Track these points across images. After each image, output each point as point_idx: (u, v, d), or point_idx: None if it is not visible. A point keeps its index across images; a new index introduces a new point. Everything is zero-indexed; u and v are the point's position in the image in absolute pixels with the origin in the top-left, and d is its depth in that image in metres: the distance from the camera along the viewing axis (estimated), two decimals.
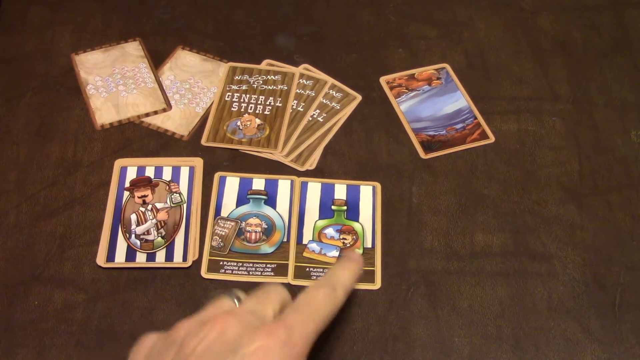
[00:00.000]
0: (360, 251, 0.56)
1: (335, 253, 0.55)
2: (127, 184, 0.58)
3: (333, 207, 0.58)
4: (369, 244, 0.56)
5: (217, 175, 0.59)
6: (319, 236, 0.56)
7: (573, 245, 0.57)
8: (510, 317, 0.53)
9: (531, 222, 0.58)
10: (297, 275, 0.54)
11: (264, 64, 0.68)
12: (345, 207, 0.58)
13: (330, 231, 0.57)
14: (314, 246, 0.56)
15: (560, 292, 0.54)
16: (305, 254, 0.55)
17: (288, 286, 0.53)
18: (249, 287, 0.53)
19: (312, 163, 0.61)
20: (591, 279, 0.55)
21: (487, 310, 0.53)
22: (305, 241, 0.56)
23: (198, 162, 0.60)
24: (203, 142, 0.62)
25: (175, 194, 0.58)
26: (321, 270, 0.54)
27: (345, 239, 0.56)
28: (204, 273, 0.54)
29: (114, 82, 0.66)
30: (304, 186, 0.59)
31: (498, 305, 0.53)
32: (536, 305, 0.53)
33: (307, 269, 0.54)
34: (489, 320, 0.52)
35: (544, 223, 0.58)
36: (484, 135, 0.64)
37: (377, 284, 0.54)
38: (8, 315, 0.51)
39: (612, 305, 0.53)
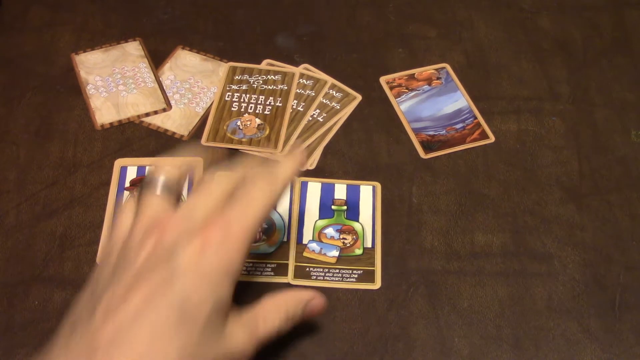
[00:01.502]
0: (360, 251, 0.56)
1: (335, 253, 0.55)
2: (127, 184, 0.58)
3: (333, 207, 0.58)
4: (369, 244, 0.56)
5: None
6: (319, 236, 0.56)
7: (573, 245, 0.57)
8: (510, 317, 0.53)
9: (531, 222, 0.58)
10: (297, 275, 0.54)
11: (264, 64, 0.68)
12: (345, 207, 0.58)
13: (330, 231, 0.57)
14: (314, 246, 0.56)
15: (560, 292, 0.54)
16: (305, 254, 0.55)
17: (288, 286, 0.53)
18: (249, 287, 0.53)
19: (312, 163, 0.61)
20: (591, 279, 0.55)
21: (487, 310, 0.53)
22: (305, 241, 0.56)
23: (198, 162, 0.60)
24: (203, 141, 0.62)
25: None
26: (321, 270, 0.54)
27: (345, 238, 0.56)
28: None
29: (114, 82, 0.66)
30: (303, 186, 0.59)
31: (498, 305, 0.53)
32: (536, 305, 0.53)
33: (307, 269, 0.54)
34: (489, 320, 0.52)
35: (544, 223, 0.58)
36: (484, 135, 0.64)
37: (377, 284, 0.54)
38: (8, 315, 0.51)
39: (612, 305, 0.53)
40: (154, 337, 0.37)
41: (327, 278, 0.54)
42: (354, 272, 0.54)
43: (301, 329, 0.51)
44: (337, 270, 0.54)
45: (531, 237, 0.57)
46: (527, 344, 0.51)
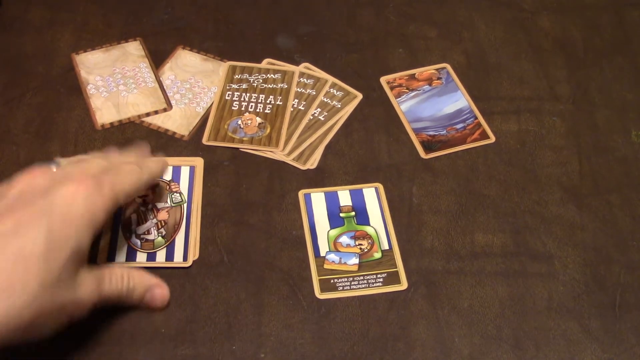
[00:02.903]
0: (379, 255, 0.55)
1: (355, 260, 0.55)
2: None
3: (341, 214, 0.58)
4: (385, 246, 0.56)
5: None
6: (334, 246, 0.56)
7: (573, 245, 0.57)
8: (510, 317, 0.53)
9: (531, 222, 0.58)
10: (323, 289, 0.53)
11: (264, 63, 0.68)
12: (353, 213, 0.58)
13: (344, 239, 0.56)
14: (333, 256, 0.55)
15: (560, 292, 0.54)
16: (326, 266, 0.55)
17: (316, 300, 0.53)
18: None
19: (313, 162, 0.61)
20: (591, 279, 0.55)
21: (487, 310, 0.53)
22: (322, 253, 0.55)
23: (199, 162, 0.60)
24: (204, 141, 0.62)
25: (175, 194, 0.58)
26: (345, 279, 0.54)
27: (361, 244, 0.56)
28: None
29: (115, 81, 0.66)
30: (307, 199, 0.59)
31: (498, 305, 0.53)
32: (536, 305, 0.53)
33: (332, 281, 0.54)
34: (489, 320, 0.52)
35: (544, 223, 0.58)
36: (484, 135, 0.64)
37: (403, 285, 0.54)
38: None
39: (612, 305, 0.53)
40: (17, 264, 0.39)
41: (354, 287, 0.53)
42: (379, 276, 0.54)
43: (301, 329, 0.51)
44: (362, 277, 0.54)
45: (531, 237, 0.57)
46: (527, 344, 0.51)
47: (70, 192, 0.42)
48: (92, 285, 0.45)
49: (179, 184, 0.58)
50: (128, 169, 0.48)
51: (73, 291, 0.43)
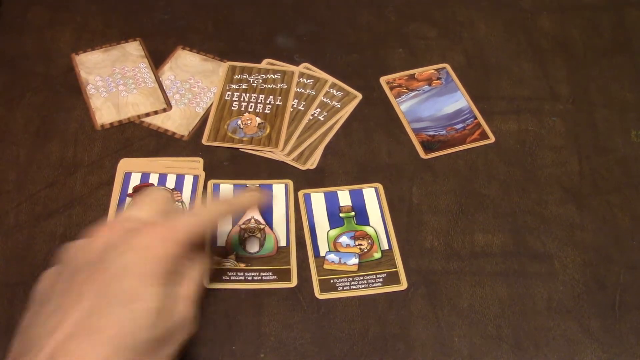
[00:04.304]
0: (379, 255, 0.55)
1: (355, 260, 0.55)
2: (130, 190, 0.58)
3: (341, 214, 0.58)
4: (385, 246, 0.56)
5: None
6: (334, 246, 0.56)
7: (573, 245, 0.57)
8: (510, 317, 0.53)
9: (531, 222, 0.58)
10: (323, 289, 0.53)
11: (264, 64, 0.68)
12: (353, 213, 0.58)
13: (344, 239, 0.56)
14: (333, 257, 0.55)
15: (560, 292, 0.54)
16: (325, 266, 0.55)
17: (316, 300, 0.53)
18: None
19: (313, 162, 0.61)
20: (591, 279, 0.55)
21: (487, 310, 0.53)
22: (322, 253, 0.55)
23: (201, 167, 0.60)
24: (204, 141, 0.62)
25: (176, 203, 0.57)
26: (345, 279, 0.54)
27: (361, 244, 0.56)
28: None
29: (114, 82, 0.66)
30: (307, 199, 0.59)
31: (498, 305, 0.53)
32: (536, 305, 0.53)
33: (332, 281, 0.54)
34: (489, 320, 0.52)
35: (544, 223, 0.58)
36: (484, 135, 0.64)
37: (403, 285, 0.54)
38: (8, 315, 0.51)
39: (612, 305, 0.53)
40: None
41: (353, 287, 0.53)
42: (378, 276, 0.54)
43: (301, 329, 0.51)
44: (362, 277, 0.54)
45: (531, 237, 0.57)
46: (527, 344, 0.51)
47: (140, 243, 0.41)
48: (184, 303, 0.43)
49: (181, 193, 0.58)
50: (214, 208, 0.48)
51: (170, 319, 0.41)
